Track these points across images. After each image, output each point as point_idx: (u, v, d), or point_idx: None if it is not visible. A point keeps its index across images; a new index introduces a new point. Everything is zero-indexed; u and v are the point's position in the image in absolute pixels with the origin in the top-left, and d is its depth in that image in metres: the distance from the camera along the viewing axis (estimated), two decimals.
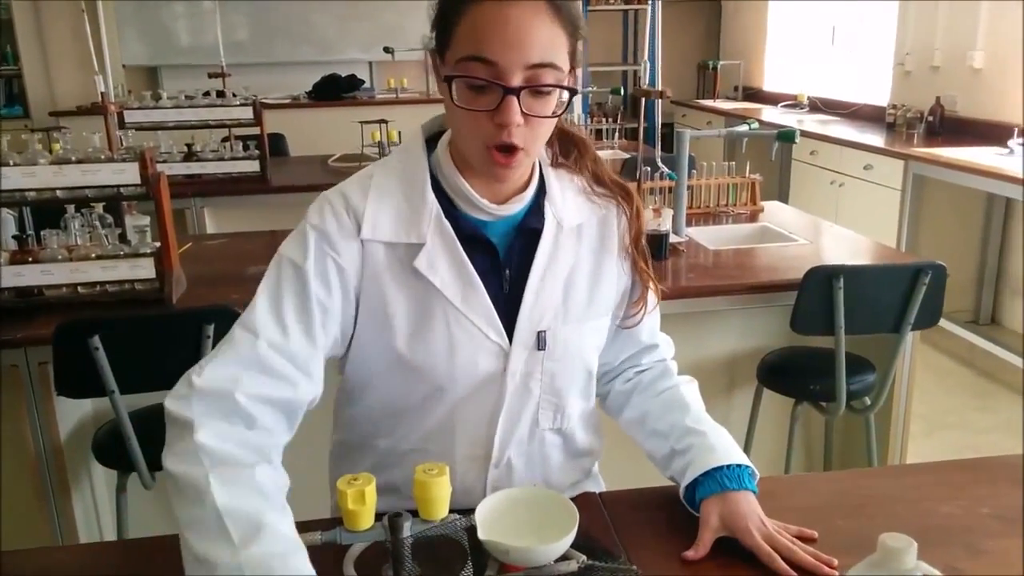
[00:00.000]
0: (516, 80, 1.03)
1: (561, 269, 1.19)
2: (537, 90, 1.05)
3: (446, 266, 1.14)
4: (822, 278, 2.21)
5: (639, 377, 1.33)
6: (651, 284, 1.27)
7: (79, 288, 2.24)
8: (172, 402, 1.00)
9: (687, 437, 1.21)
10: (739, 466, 1.17)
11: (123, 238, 2.38)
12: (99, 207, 2.35)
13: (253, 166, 3.84)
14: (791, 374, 2.44)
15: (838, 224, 3.30)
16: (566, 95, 1.10)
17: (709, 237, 2.79)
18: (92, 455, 2.17)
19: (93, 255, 2.23)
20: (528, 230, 1.18)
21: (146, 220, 2.54)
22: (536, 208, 1.19)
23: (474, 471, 1.22)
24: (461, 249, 1.14)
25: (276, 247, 2.93)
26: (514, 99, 1.03)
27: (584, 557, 0.73)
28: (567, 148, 1.24)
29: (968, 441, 3.40)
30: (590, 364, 1.25)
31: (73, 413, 2.34)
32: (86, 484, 2.41)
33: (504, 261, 1.17)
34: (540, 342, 1.17)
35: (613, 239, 1.23)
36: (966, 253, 4.47)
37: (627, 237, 1.24)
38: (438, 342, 1.14)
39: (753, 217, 3.08)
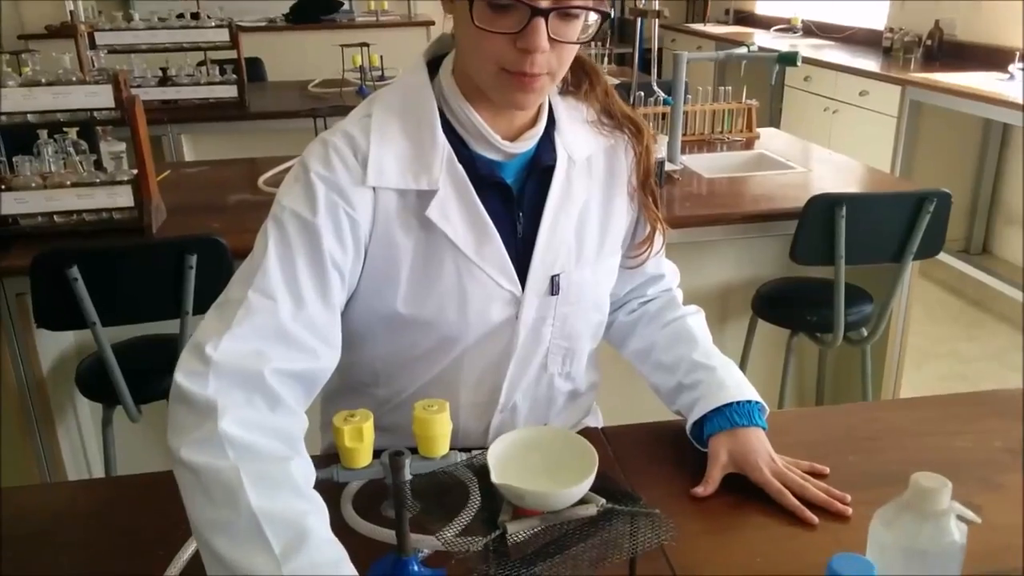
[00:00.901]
0: (545, 0, 0.94)
1: (574, 207, 1.12)
2: (566, 12, 0.95)
3: (459, 215, 1.06)
4: (824, 206, 2.16)
5: (644, 308, 1.29)
6: (659, 225, 1.20)
7: (55, 217, 2.15)
8: (185, 378, 0.86)
9: (695, 372, 1.17)
10: (749, 402, 1.13)
11: (99, 165, 2.28)
12: (72, 133, 2.24)
13: (230, 91, 3.70)
14: (787, 305, 2.41)
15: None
16: (592, 18, 1.00)
17: (704, 165, 2.72)
18: (76, 388, 2.12)
19: (68, 182, 2.14)
20: (541, 167, 1.10)
21: (122, 146, 2.44)
22: (546, 142, 1.11)
23: (477, 416, 1.18)
24: (475, 195, 1.06)
25: (256, 175, 2.85)
26: (542, 21, 0.93)
27: (603, 500, 0.68)
28: (579, 78, 1.15)
29: (958, 371, 3.41)
30: (602, 305, 1.20)
31: (55, 346, 2.28)
32: (71, 418, 2.36)
33: (517, 203, 1.10)
34: (553, 287, 1.11)
35: (622, 173, 1.16)
36: (960, 182, 4.42)
37: (635, 175, 1.17)
38: (448, 294, 1.07)
39: (749, 144, 3.00)
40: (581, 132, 1.13)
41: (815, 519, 1.03)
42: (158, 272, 1.93)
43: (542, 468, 0.71)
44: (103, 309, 1.90)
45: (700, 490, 1.08)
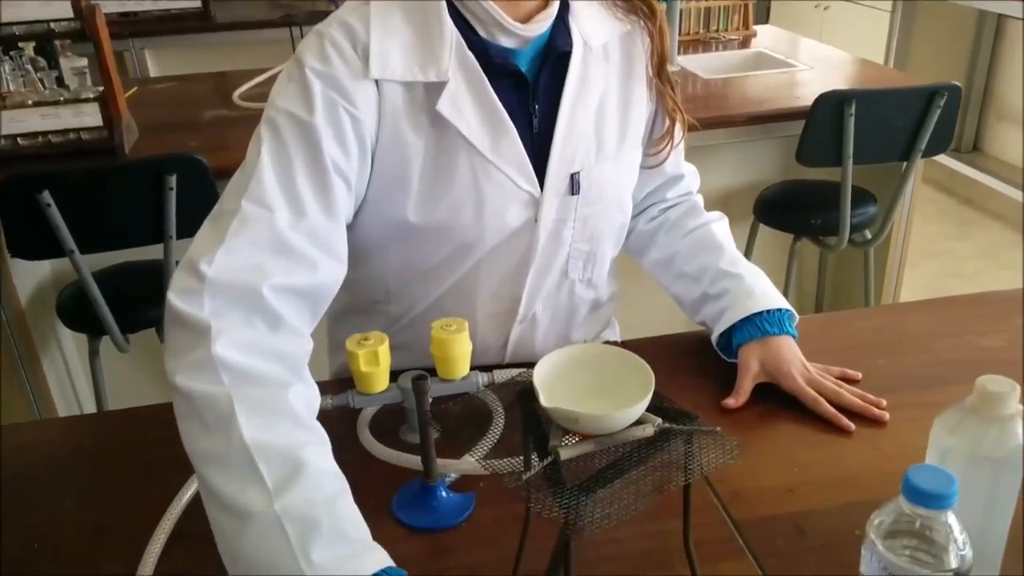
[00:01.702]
0: None
1: (592, 98, 1.03)
2: None
3: (472, 108, 0.97)
4: (833, 104, 2.07)
5: (665, 215, 1.22)
6: (679, 116, 1.12)
7: (19, 140, 2.02)
8: (178, 298, 0.79)
9: (721, 280, 1.11)
10: (779, 310, 1.08)
11: (60, 83, 2.15)
12: (29, 48, 2.10)
13: (194, 2, 3.51)
14: (791, 209, 2.35)
15: None
16: None
17: (701, 65, 2.61)
18: (58, 320, 2.04)
19: (30, 102, 2.00)
20: (556, 54, 1.01)
21: (83, 62, 2.29)
22: (560, 26, 1.02)
23: (496, 328, 1.12)
24: (489, 85, 0.97)
25: (230, 89, 2.71)
26: None
27: (660, 420, 0.63)
28: None
29: (953, 269, 3.40)
30: (624, 204, 1.13)
31: (31, 276, 2.19)
32: (56, 352, 2.29)
33: (532, 94, 1.01)
34: (573, 186, 1.03)
35: (640, 61, 1.08)
36: (952, 78, 4.32)
37: (651, 64, 1.08)
38: (462, 197, 0.99)
39: (745, 43, 2.89)
40: (596, 15, 1.04)
41: (851, 426, 0.99)
42: (136, 195, 1.83)
43: (592, 389, 0.65)
44: (81, 236, 1.81)
45: (731, 401, 1.03)
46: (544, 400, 0.61)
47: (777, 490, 0.90)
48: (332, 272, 0.89)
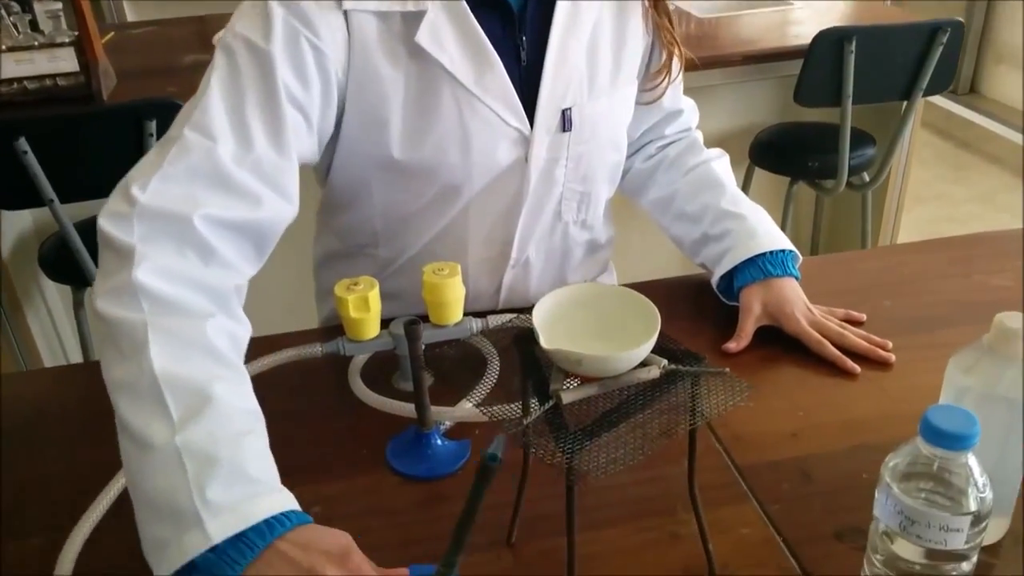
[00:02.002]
0: None
1: (583, 30, 0.98)
2: None
3: (454, 39, 0.91)
4: (833, 41, 2.01)
5: (663, 153, 1.17)
6: (676, 49, 1.07)
7: None
8: (108, 221, 0.75)
9: (723, 221, 1.08)
10: (782, 251, 1.04)
11: (35, 27, 2.07)
12: None
13: None
14: (787, 151, 2.30)
15: None
16: None
17: (695, 4, 2.53)
18: (40, 271, 2.00)
19: (3, 47, 1.93)
20: None
21: (58, 5, 2.21)
22: None
23: (488, 273, 1.08)
24: (471, 15, 0.92)
25: (209, 34, 2.62)
26: None
27: (665, 361, 0.59)
28: None
29: (948, 213, 3.37)
30: (619, 142, 1.08)
31: (12, 227, 2.14)
32: (39, 303, 2.25)
33: (519, 25, 0.96)
34: (565, 122, 0.99)
35: None
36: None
37: None
38: (447, 135, 0.94)
39: None
40: None
41: (857, 368, 0.97)
42: (116, 141, 1.77)
43: (594, 330, 0.62)
44: (60, 185, 1.76)
45: (732, 345, 1.01)
46: (544, 342, 0.57)
47: (781, 434, 0.88)
48: (278, 210, 0.84)
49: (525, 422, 0.56)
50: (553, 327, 0.61)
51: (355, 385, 0.97)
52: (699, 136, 1.19)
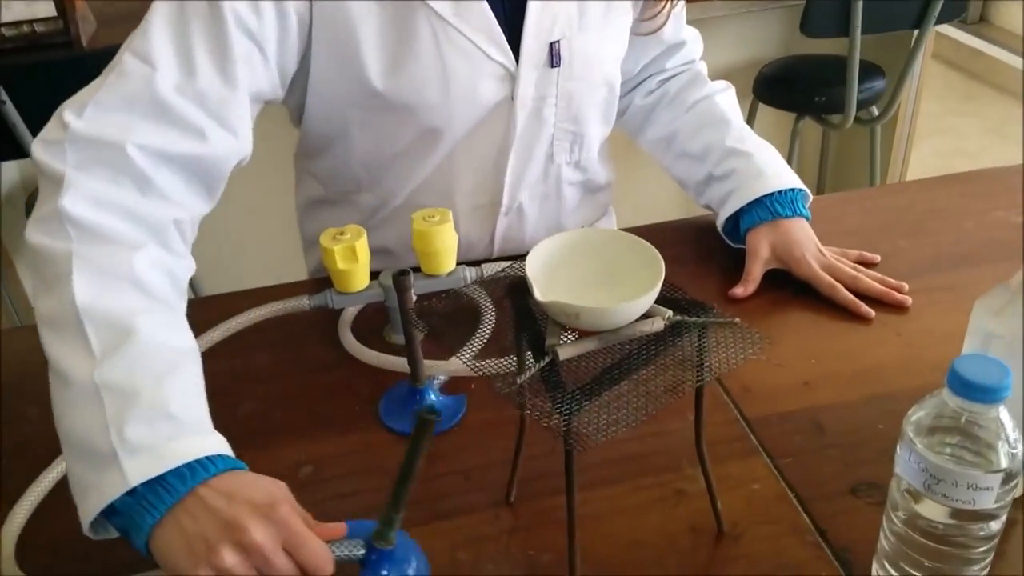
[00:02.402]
0: None
1: None
2: None
3: None
4: None
5: (664, 87, 1.11)
6: None
7: None
8: (41, 148, 0.71)
9: (728, 160, 1.02)
10: (792, 190, 0.99)
11: None
12: None
13: None
14: (793, 86, 2.22)
15: None
16: None
17: None
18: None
19: None
20: None
21: None
22: None
23: (479, 222, 1.03)
24: None
25: None
26: None
27: (670, 312, 0.55)
28: None
29: (958, 146, 3.29)
30: (612, 78, 1.01)
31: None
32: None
33: None
34: (553, 57, 0.92)
35: None
36: None
37: None
38: (426, 71, 0.88)
39: None
40: None
41: (871, 312, 0.92)
42: None
43: (593, 279, 0.57)
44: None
45: (739, 290, 0.96)
46: (539, 294, 0.53)
47: (792, 385, 0.84)
48: (225, 146, 0.78)
49: (519, 380, 0.51)
50: (549, 277, 0.56)
51: (345, 339, 0.93)
52: (703, 68, 1.13)
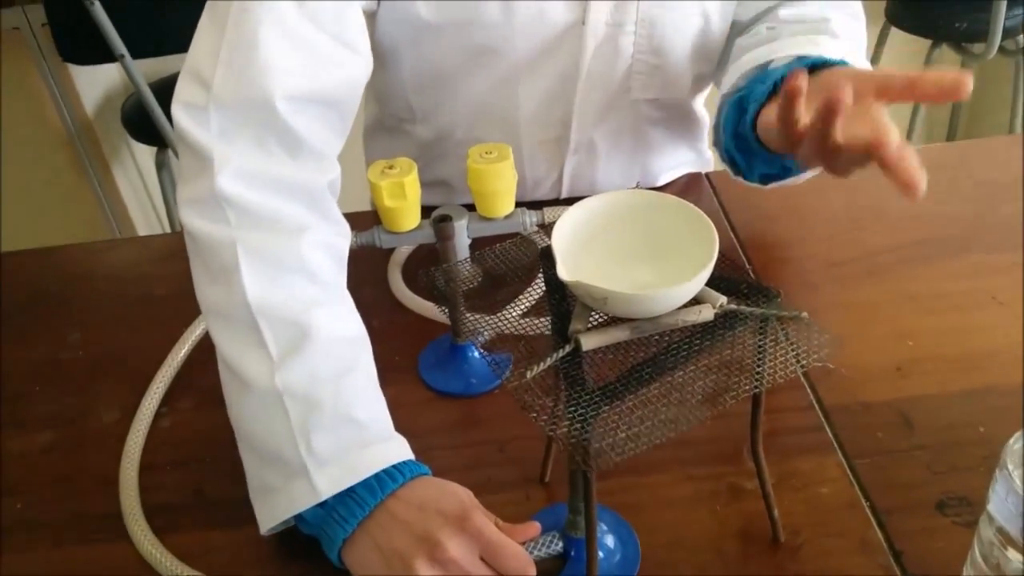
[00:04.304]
0: None
1: None
2: None
3: None
4: None
5: (773, 32, 0.88)
6: None
7: None
8: (184, 112, 0.66)
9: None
10: None
11: None
12: None
13: None
14: (931, 8, 1.99)
15: None
16: None
17: None
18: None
19: None
20: None
21: None
22: None
23: (546, 158, 0.93)
24: None
25: None
26: None
27: (723, 300, 0.46)
28: None
29: None
30: (709, 8, 0.85)
31: (98, 82, 2.11)
32: (129, 162, 2.24)
33: None
34: None
35: None
36: None
37: None
38: None
39: None
40: None
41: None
42: None
43: (634, 253, 0.49)
44: (131, 39, 1.69)
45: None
46: (564, 271, 0.45)
47: (882, 369, 0.73)
48: (348, 64, 0.71)
49: (529, 373, 0.44)
50: (581, 249, 0.48)
51: (393, 280, 0.87)
52: (841, 26, 0.85)
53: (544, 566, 0.58)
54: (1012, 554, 0.47)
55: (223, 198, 0.63)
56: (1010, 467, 0.46)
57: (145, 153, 2.26)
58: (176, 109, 0.66)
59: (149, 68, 1.79)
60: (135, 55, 1.72)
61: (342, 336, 0.63)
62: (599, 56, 0.84)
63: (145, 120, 1.87)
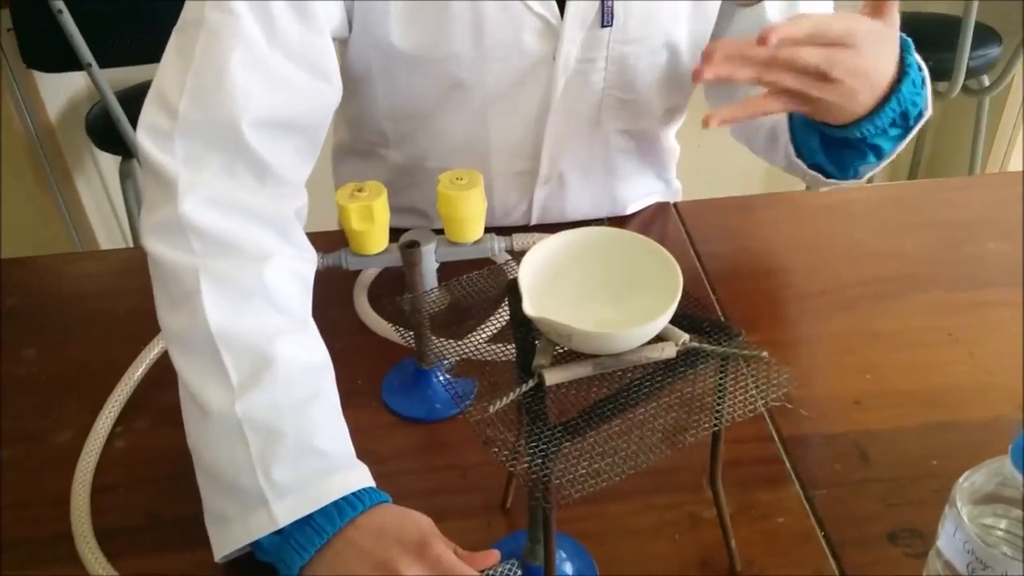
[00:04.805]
0: None
1: None
2: None
3: None
4: None
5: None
6: None
7: None
8: (148, 137, 0.66)
9: None
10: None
11: None
12: None
13: None
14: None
15: None
16: None
17: None
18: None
19: None
20: None
21: None
22: None
23: (516, 188, 0.94)
24: None
25: None
26: None
27: (686, 338, 0.46)
28: None
29: None
30: (678, 42, 0.86)
31: (62, 89, 2.08)
32: (92, 171, 2.21)
33: None
34: (604, 16, 0.80)
35: None
36: None
37: None
38: (455, 20, 0.79)
39: None
40: None
41: None
42: (160, 1, 1.66)
43: (599, 289, 0.49)
44: (99, 48, 1.67)
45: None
46: (530, 307, 0.45)
47: (841, 401, 0.75)
48: (318, 93, 0.72)
49: (492, 408, 0.44)
50: (549, 284, 0.49)
51: (359, 303, 0.87)
52: None
53: None
54: None
55: (187, 225, 0.63)
56: (959, 504, 0.47)
57: (109, 163, 2.23)
58: (141, 135, 0.67)
59: (115, 76, 1.77)
60: (102, 64, 1.70)
61: (305, 364, 0.63)
62: (570, 90, 0.85)
63: (110, 129, 1.84)
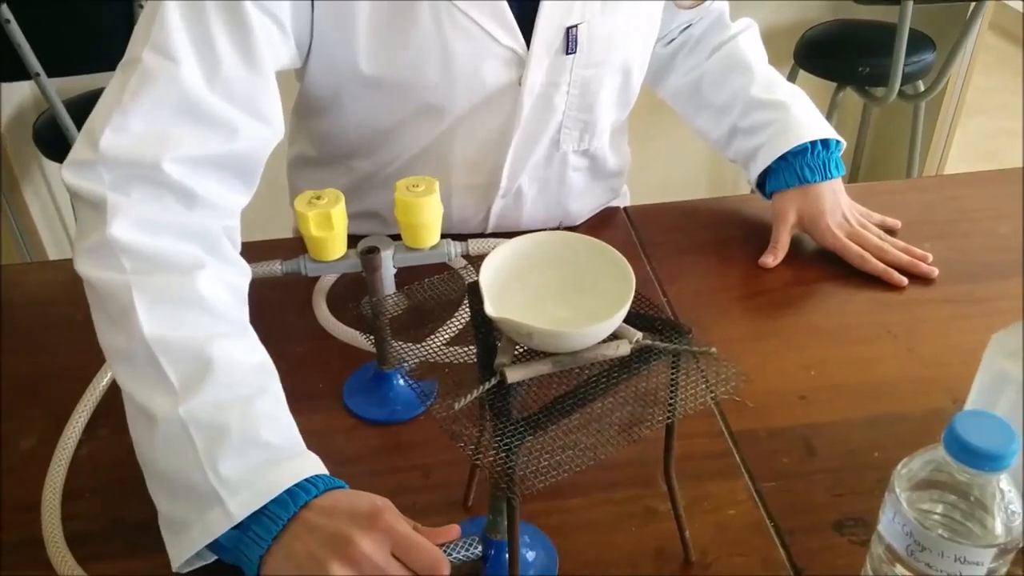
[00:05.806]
0: None
1: None
2: None
3: None
4: None
5: (686, 33, 1.02)
6: None
7: None
8: (72, 172, 0.67)
9: (754, 112, 0.96)
10: (824, 147, 0.94)
11: None
12: None
13: None
14: (836, 53, 2.10)
15: None
16: None
17: None
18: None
19: None
20: None
21: None
22: None
23: (475, 200, 0.96)
24: None
25: None
26: None
27: (639, 336, 0.49)
28: None
29: (1007, 126, 3.13)
30: (632, 64, 0.92)
31: (9, 98, 2.05)
32: (40, 181, 2.17)
33: None
34: (569, 43, 0.83)
35: None
36: None
37: None
38: (425, 50, 0.80)
39: None
40: None
41: (904, 280, 0.91)
42: (107, 11, 1.64)
43: (556, 290, 0.51)
44: (47, 57, 1.65)
45: (769, 260, 0.94)
46: (491, 308, 0.47)
47: (787, 396, 0.78)
48: (258, 135, 0.73)
49: (457, 405, 0.46)
50: (508, 286, 0.50)
51: (318, 308, 0.88)
52: (724, 7, 1.04)
53: (463, 570, 0.58)
54: (899, 570, 0.51)
55: (116, 245, 0.64)
56: (897, 490, 0.50)
57: (57, 173, 2.19)
58: (65, 170, 0.67)
59: (63, 85, 1.75)
60: (50, 73, 1.68)
61: (246, 365, 0.63)
62: (534, 112, 0.88)
63: (59, 138, 1.82)
